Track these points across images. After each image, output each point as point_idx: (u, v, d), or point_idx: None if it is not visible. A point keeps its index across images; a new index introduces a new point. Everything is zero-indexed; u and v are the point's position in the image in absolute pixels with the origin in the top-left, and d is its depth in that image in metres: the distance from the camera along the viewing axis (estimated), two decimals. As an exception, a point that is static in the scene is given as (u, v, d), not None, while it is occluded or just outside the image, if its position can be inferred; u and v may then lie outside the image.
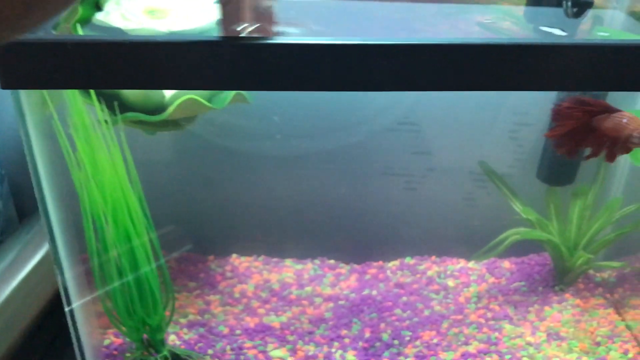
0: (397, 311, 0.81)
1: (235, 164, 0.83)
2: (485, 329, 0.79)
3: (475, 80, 0.43)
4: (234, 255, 0.88)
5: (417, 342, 0.77)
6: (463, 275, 0.87)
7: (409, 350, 0.76)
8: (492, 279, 0.87)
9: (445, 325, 0.79)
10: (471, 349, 0.76)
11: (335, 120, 0.80)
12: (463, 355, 0.75)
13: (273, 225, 0.88)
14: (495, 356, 0.75)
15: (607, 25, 0.66)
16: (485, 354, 0.76)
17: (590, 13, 0.62)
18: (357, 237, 0.89)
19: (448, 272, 0.87)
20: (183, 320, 0.78)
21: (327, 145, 0.81)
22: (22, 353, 0.72)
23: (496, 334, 0.78)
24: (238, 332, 0.77)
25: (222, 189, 0.85)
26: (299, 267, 0.88)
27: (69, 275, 0.60)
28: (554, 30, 0.60)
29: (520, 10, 0.69)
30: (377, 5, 0.67)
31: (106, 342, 0.74)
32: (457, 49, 0.41)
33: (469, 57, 0.43)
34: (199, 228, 0.85)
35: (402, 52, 0.40)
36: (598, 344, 0.77)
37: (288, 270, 0.87)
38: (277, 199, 0.86)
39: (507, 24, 0.67)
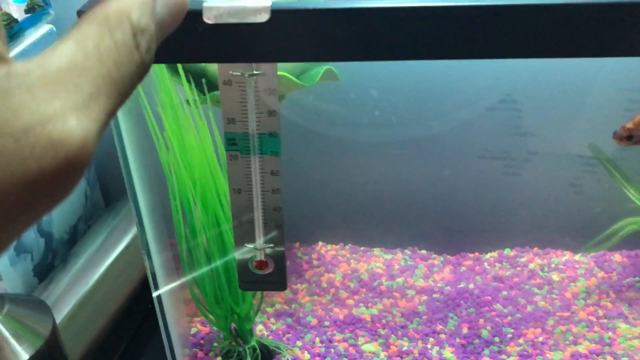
0: (497, 306, 0.75)
1: (323, 147, 0.79)
2: (596, 328, 0.72)
3: (583, 44, 0.38)
4: (320, 243, 0.85)
5: (521, 340, 0.70)
6: (569, 269, 0.80)
7: (512, 349, 0.69)
8: (601, 274, 0.79)
9: (551, 322, 0.73)
10: (582, 349, 0.69)
11: (429, 100, 0.74)
12: (573, 355, 0.69)
13: (360, 212, 0.84)
14: (609, 358, 0.68)
15: None
16: (598, 354, 0.69)
17: None
18: (450, 226, 0.84)
19: (552, 265, 0.80)
20: (270, 310, 0.75)
21: (421, 128, 0.76)
22: (110, 338, 0.72)
23: (610, 333, 0.71)
24: (327, 323, 0.73)
25: (307, 174, 0.81)
26: (389, 257, 0.83)
27: (157, 261, 0.58)
28: None
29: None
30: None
31: (193, 330, 0.72)
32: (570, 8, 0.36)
33: (578, 17, 0.37)
34: (285, 214, 0.82)
35: (508, 14, 0.36)
36: None
37: (377, 260, 0.82)
38: (364, 184, 0.82)
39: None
